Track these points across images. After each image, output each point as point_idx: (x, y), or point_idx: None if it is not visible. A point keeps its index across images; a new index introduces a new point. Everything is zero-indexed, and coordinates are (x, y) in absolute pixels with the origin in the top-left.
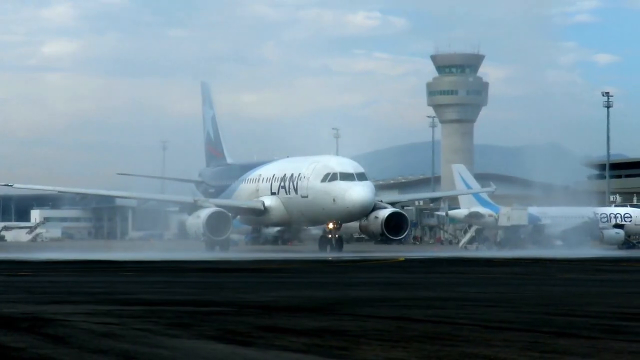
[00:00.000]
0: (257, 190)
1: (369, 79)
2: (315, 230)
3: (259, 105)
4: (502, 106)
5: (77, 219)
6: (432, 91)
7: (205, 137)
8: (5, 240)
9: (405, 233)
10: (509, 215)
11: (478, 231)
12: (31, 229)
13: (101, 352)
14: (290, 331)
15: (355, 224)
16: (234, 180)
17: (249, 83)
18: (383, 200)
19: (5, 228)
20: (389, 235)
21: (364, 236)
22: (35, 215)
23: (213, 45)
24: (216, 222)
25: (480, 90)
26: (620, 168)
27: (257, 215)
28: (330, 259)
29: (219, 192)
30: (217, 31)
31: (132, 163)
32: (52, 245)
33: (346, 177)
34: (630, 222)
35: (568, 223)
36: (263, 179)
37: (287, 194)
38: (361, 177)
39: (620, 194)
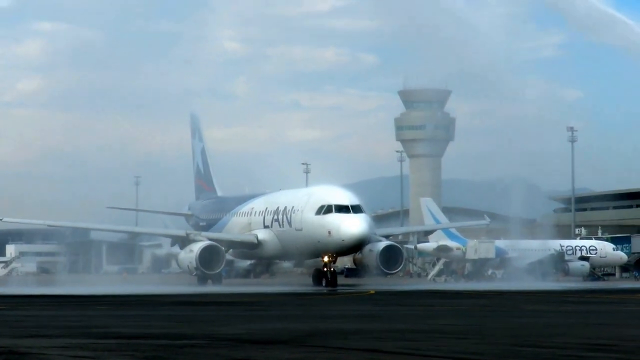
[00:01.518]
0: (250, 223)
1: (338, 114)
2: (287, 264)
3: (229, 140)
4: (469, 141)
5: (52, 254)
6: (400, 126)
7: (194, 170)
8: None
9: (401, 267)
10: (477, 248)
11: (446, 264)
12: (6, 263)
13: None
14: None
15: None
16: (225, 213)
17: (220, 118)
18: (377, 233)
19: None
20: (384, 269)
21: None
22: (11, 249)
23: (186, 81)
24: (209, 256)
25: (447, 125)
26: (586, 202)
27: (251, 249)
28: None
29: (210, 225)
30: (189, 67)
31: (107, 196)
32: (28, 279)
33: (341, 209)
34: (595, 254)
35: (534, 256)
36: (255, 212)
37: (280, 227)
38: (357, 209)
39: (586, 227)
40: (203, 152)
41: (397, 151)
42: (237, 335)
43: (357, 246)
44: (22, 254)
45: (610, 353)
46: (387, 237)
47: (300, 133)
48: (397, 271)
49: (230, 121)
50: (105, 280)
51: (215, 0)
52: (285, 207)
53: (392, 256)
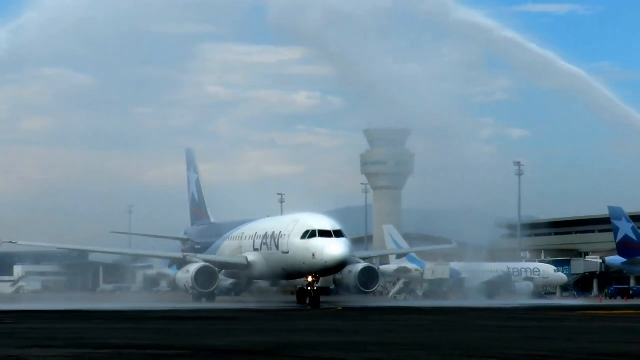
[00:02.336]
0: (241, 247)
1: (309, 151)
2: (264, 284)
3: (212, 174)
4: (427, 175)
5: (54, 274)
6: (365, 162)
7: (190, 199)
8: None
9: (377, 286)
10: (433, 270)
11: (406, 284)
12: (14, 282)
13: None
14: None
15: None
16: (218, 237)
17: (203, 154)
18: (356, 255)
19: None
20: (362, 289)
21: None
22: (18, 270)
23: (172, 121)
24: (204, 277)
25: (407, 160)
26: (530, 228)
27: (241, 270)
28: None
29: (204, 248)
30: (175, 109)
31: (104, 223)
32: (33, 296)
33: (324, 234)
34: (538, 276)
35: (485, 277)
36: (245, 236)
37: (269, 250)
38: (338, 234)
39: (530, 251)
40: (197, 182)
41: (362, 184)
42: (219, 346)
43: (338, 267)
44: (28, 273)
45: None
46: (364, 259)
47: (275, 168)
48: (374, 290)
49: (213, 157)
50: (102, 298)
51: (200, 49)
52: (273, 232)
53: (369, 277)
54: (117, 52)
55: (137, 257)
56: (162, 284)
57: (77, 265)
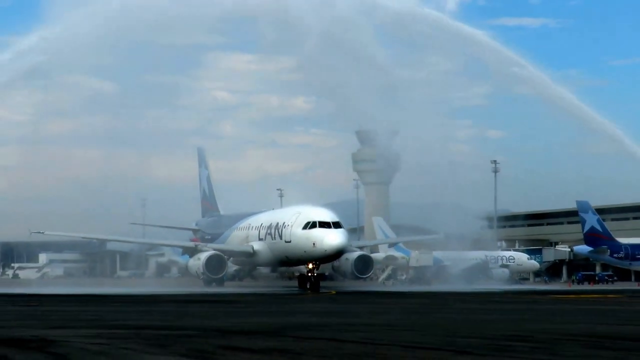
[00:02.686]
0: (247, 236)
1: (306, 150)
2: (265, 270)
3: (218, 171)
4: (412, 171)
5: (76, 261)
6: (356, 160)
7: (201, 193)
8: (19, 278)
9: (371, 272)
10: (418, 258)
11: (393, 270)
12: (39, 268)
13: None
14: (246, 350)
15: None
16: (226, 228)
17: (210, 153)
18: (352, 244)
19: (19, 268)
20: (357, 275)
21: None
22: (43, 257)
23: (182, 123)
24: (214, 263)
25: (394, 159)
26: (506, 220)
27: (247, 257)
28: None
29: (214, 238)
30: (185, 112)
31: (122, 215)
32: (56, 281)
33: (324, 225)
34: (513, 263)
35: (465, 264)
36: (252, 227)
37: (273, 239)
38: (337, 225)
39: (506, 240)
40: (208, 178)
41: (354, 180)
42: (226, 327)
43: (336, 255)
44: (51, 261)
45: (526, 343)
46: (360, 248)
47: (275, 165)
48: (368, 276)
49: (220, 155)
50: (118, 283)
51: (208, 58)
52: (277, 223)
53: (364, 264)
54: (135, 61)
55: (152, 246)
56: (173, 270)
57: (96, 253)
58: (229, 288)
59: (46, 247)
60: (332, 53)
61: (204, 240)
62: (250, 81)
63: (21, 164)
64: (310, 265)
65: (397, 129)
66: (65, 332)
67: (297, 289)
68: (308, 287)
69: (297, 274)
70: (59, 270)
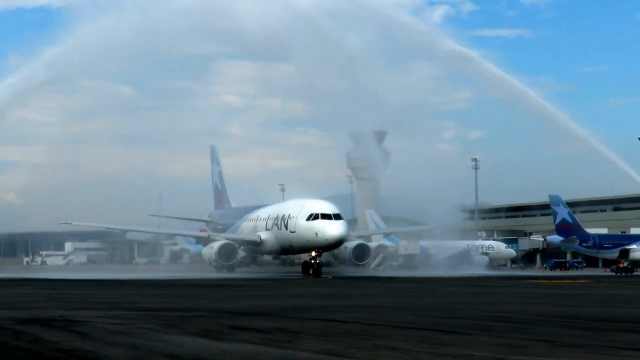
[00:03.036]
0: (255, 227)
1: (305, 149)
2: (267, 257)
3: (226, 167)
4: (400, 168)
5: (97, 249)
6: (350, 158)
7: (213, 187)
8: (47, 264)
9: (367, 260)
10: (406, 246)
11: (384, 258)
12: (65, 256)
13: (115, 345)
14: (250, 329)
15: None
16: (237, 219)
17: (219, 151)
18: (351, 234)
19: (47, 256)
20: (355, 262)
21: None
22: (68, 246)
23: (194, 124)
24: (225, 251)
25: (385, 156)
26: (485, 212)
27: (255, 246)
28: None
29: (225, 228)
30: (197, 114)
31: (137, 209)
32: (80, 267)
33: (326, 216)
34: (492, 251)
35: (448, 252)
36: (260, 218)
37: (279, 230)
38: (337, 216)
39: (485, 231)
40: (220, 174)
41: (348, 176)
42: (234, 309)
43: (337, 244)
44: (76, 249)
45: (504, 323)
46: (360, 237)
47: (278, 162)
48: (365, 263)
49: (228, 153)
50: (136, 269)
51: (218, 65)
52: (283, 215)
53: (361, 252)
54: (151, 68)
55: (169, 236)
56: (185, 257)
57: (116, 242)
58: (239, 274)
59: (71, 236)
60: (328, 63)
61: (216, 230)
62: (255, 86)
63: (50, 161)
64: (313, 253)
65: (387, 130)
66: (87, 313)
67: (300, 274)
68: (311, 272)
69: (297, 261)
70: (82, 258)
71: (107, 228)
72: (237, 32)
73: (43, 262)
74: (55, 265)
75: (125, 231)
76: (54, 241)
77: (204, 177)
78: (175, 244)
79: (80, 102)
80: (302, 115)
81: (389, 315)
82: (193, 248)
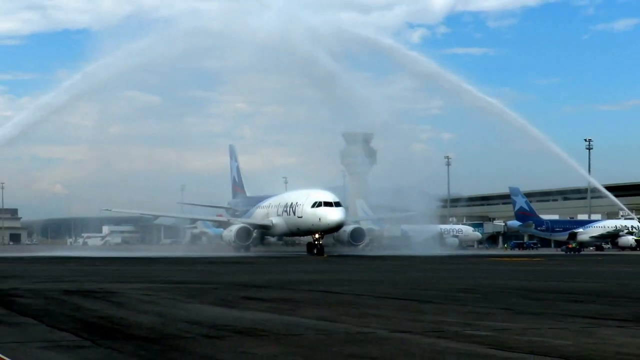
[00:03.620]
0: (268, 213)
1: (305, 148)
2: (272, 239)
3: (240, 164)
4: (385, 164)
5: (130, 232)
6: (343, 155)
7: (231, 180)
8: (87, 245)
9: (364, 241)
10: (390, 230)
11: (371, 239)
12: (102, 238)
13: (146, 312)
14: (259, 299)
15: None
16: (252, 206)
17: (236, 150)
18: (349, 220)
19: (87, 237)
20: (352, 243)
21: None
22: (105, 229)
23: (212, 128)
24: (242, 234)
25: (372, 154)
26: (456, 201)
27: (267, 229)
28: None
29: (242, 214)
30: (214, 119)
31: (164, 198)
32: (115, 248)
33: (328, 204)
34: (461, 234)
35: (425, 235)
36: (271, 205)
37: (288, 215)
38: (338, 204)
39: (456, 217)
40: (237, 168)
41: (342, 170)
42: (243, 281)
43: (337, 228)
44: (112, 232)
45: (471, 294)
46: (355, 222)
47: (282, 160)
48: (361, 244)
49: (240, 152)
50: (162, 249)
51: (230, 77)
52: (291, 203)
53: (358, 234)
54: (176, 80)
55: (194, 221)
56: (203, 239)
57: (146, 226)
58: (253, 253)
59: (108, 221)
60: (324, 76)
61: (234, 216)
62: (263, 95)
63: (90, 158)
64: (317, 235)
65: (374, 132)
66: (122, 286)
67: (305, 253)
68: (315, 252)
69: (297, 242)
70: (117, 239)
71: (141, 214)
72: (247, 49)
73: (84, 243)
74: (94, 245)
75: (156, 216)
76: (93, 225)
77: (223, 171)
78: (195, 227)
79: (115, 109)
80: (303, 120)
81: (375, 288)
82: (210, 231)
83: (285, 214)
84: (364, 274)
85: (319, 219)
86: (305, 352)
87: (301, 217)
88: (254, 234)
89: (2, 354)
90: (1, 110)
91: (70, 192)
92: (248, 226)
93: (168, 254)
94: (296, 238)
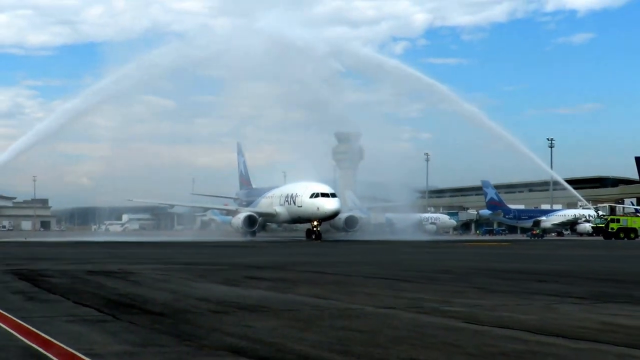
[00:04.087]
0: (271, 203)
1: (301, 146)
2: (274, 225)
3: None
4: (371, 160)
5: (147, 219)
6: (335, 152)
7: (239, 173)
8: (109, 231)
9: (357, 228)
10: (375, 217)
11: (359, 226)
12: (122, 225)
13: (160, 289)
14: (260, 278)
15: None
16: (257, 197)
17: (243, 147)
18: (343, 209)
19: (109, 224)
20: (347, 229)
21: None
22: (125, 217)
23: (219, 128)
24: (249, 221)
25: (360, 152)
26: (434, 193)
27: (271, 217)
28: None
29: (248, 204)
30: (221, 120)
31: (178, 189)
32: (134, 233)
33: (325, 195)
34: (439, 222)
35: (406, 222)
36: (275, 196)
37: (289, 205)
38: (333, 195)
39: (434, 206)
40: (244, 163)
41: (333, 165)
42: (247, 263)
43: (333, 216)
44: (131, 219)
45: (448, 274)
46: (350, 210)
47: (281, 156)
48: (354, 230)
49: (245, 150)
50: (175, 234)
51: (238, 85)
52: (292, 194)
53: (351, 221)
54: (188, 86)
55: (205, 209)
56: (212, 225)
57: (161, 214)
58: (258, 238)
59: (127, 210)
60: (318, 83)
61: (241, 205)
62: (264, 100)
63: (112, 155)
64: (315, 223)
65: (361, 131)
66: (139, 267)
67: (305, 238)
68: (314, 237)
69: (295, 228)
70: (135, 226)
71: (159, 203)
72: (251, 62)
73: (106, 229)
74: (115, 231)
75: (172, 205)
76: (115, 213)
77: (228, 166)
78: (205, 215)
79: (134, 111)
80: (299, 121)
81: (363, 269)
82: (218, 218)
83: (286, 203)
84: (353, 257)
85: (317, 208)
86: (301, 325)
87: (301, 206)
88: (259, 221)
89: (34, 327)
90: (34, 112)
91: (95, 184)
92: (254, 214)
93: (180, 239)
94: (296, 225)
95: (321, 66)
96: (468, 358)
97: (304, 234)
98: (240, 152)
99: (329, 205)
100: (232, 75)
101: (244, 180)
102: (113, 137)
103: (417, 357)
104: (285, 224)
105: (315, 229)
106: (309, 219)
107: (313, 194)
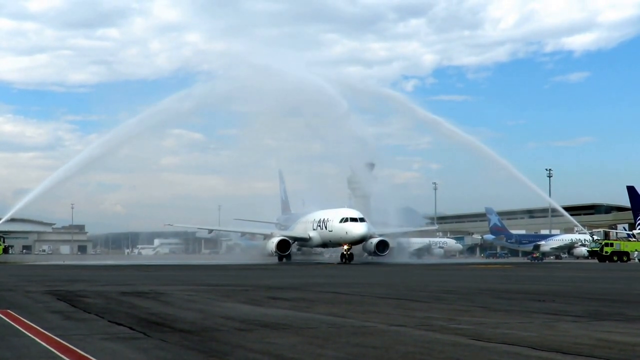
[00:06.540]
0: (305, 228)
1: (320, 177)
2: (305, 249)
3: (267, 189)
4: (384, 189)
5: (177, 244)
6: (350, 182)
7: (280, 199)
8: (141, 254)
9: (387, 252)
10: (390, 242)
11: (389, 250)
12: (154, 248)
13: (188, 309)
14: (282, 299)
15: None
16: (294, 222)
17: (259, 177)
18: (375, 233)
19: (142, 248)
20: (378, 253)
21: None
22: (156, 241)
23: (244, 160)
24: (283, 245)
25: (373, 181)
26: (442, 219)
27: (305, 241)
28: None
29: (286, 228)
30: (246, 152)
31: (211, 216)
32: (164, 257)
33: (354, 219)
34: (446, 246)
35: (416, 246)
36: (308, 221)
37: (321, 229)
38: (362, 219)
39: (441, 231)
40: (285, 189)
41: (348, 194)
42: (269, 285)
43: (361, 240)
44: (162, 244)
45: (454, 294)
46: (381, 235)
47: (300, 185)
48: (385, 254)
49: (267, 179)
50: (203, 257)
51: (255, 119)
52: (324, 219)
53: (382, 246)
54: (214, 121)
55: (243, 234)
56: (236, 250)
57: (189, 239)
58: (292, 261)
59: (158, 235)
60: (335, 119)
61: (281, 229)
62: (286, 134)
63: (145, 184)
64: (346, 247)
65: (374, 162)
66: (169, 288)
67: (337, 261)
68: (344, 261)
69: (333, 251)
70: (166, 250)
71: (199, 228)
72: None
73: (139, 253)
74: (147, 255)
75: (211, 230)
76: (146, 238)
77: (253, 193)
78: (230, 240)
79: (166, 143)
80: (317, 154)
81: (374, 290)
82: (243, 243)
83: (319, 228)
84: (368, 278)
85: (346, 232)
86: (319, 342)
87: (331, 230)
88: (294, 245)
89: (71, 344)
90: (73, 144)
91: (128, 211)
92: (287, 238)
93: (207, 262)
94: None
95: (337, 103)
96: None
97: (337, 256)
98: (281, 180)
99: (357, 229)
100: (255, 111)
101: (285, 206)
102: (145, 168)
103: None
104: (319, 248)
105: (346, 252)
106: (339, 243)
107: (343, 218)
